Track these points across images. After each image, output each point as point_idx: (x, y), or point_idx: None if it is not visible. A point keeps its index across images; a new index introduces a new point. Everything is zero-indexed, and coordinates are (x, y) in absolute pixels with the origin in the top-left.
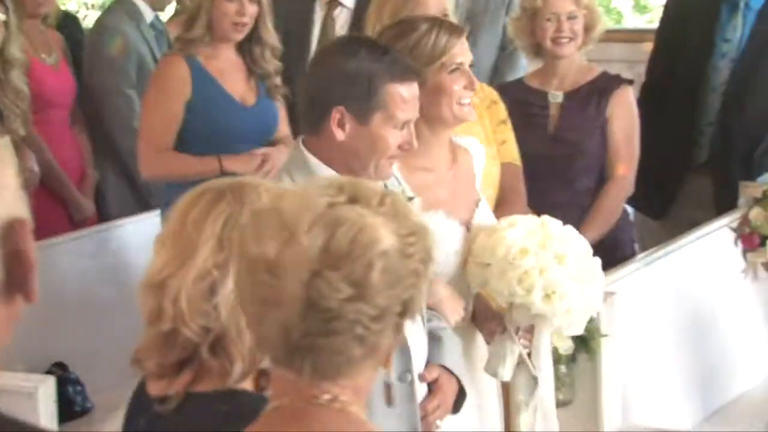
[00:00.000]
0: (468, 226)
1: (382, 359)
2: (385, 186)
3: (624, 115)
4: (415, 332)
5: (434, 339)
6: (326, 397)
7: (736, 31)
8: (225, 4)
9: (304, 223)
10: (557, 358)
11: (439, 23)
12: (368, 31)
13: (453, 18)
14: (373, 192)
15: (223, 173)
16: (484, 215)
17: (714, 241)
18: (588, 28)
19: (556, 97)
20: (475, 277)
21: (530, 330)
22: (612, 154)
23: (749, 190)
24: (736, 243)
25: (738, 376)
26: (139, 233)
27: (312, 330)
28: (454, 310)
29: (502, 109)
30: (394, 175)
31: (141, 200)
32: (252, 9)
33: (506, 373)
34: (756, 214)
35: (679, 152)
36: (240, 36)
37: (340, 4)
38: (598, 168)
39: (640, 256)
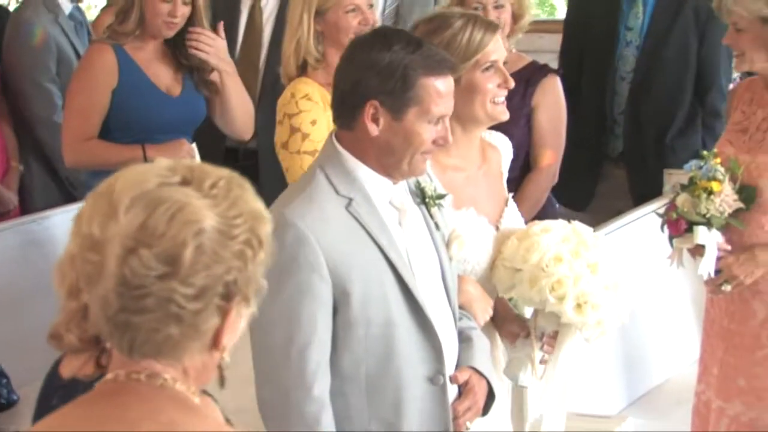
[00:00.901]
0: (497, 226)
1: (208, 341)
2: (418, 182)
3: (550, 105)
4: (447, 333)
5: (464, 339)
6: (146, 374)
7: (638, 19)
8: (158, 4)
9: (126, 201)
10: None
11: (474, 19)
12: (293, 21)
13: (378, 6)
14: (209, 175)
15: (147, 161)
16: (513, 215)
17: (640, 228)
18: (516, 18)
19: None
20: (504, 281)
21: (554, 336)
22: (537, 143)
23: (675, 176)
24: (662, 229)
25: (665, 362)
26: (63, 225)
27: (126, 306)
28: (484, 309)
29: None
30: (427, 171)
31: (65, 192)
32: (184, 10)
33: (527, 378)
34: (683, 200)
35: (595, 143)
36: (171, 33)
37: None
38: (524, 157)
39: None
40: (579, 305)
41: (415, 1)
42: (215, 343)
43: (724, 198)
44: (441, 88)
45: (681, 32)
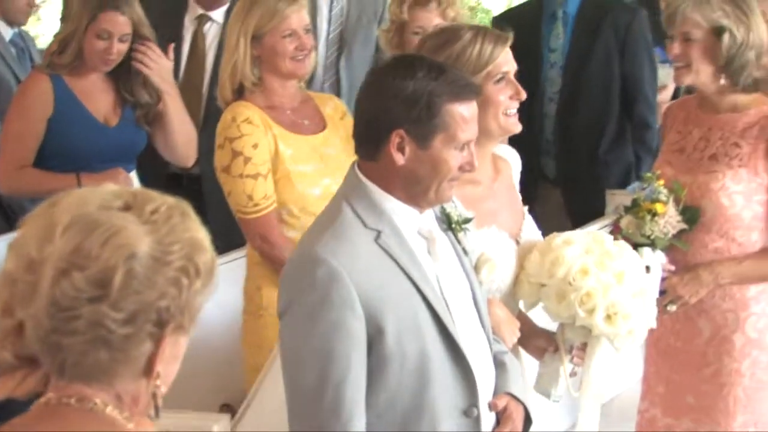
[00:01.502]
0: (517, 240)
1: (141, 368)
2: (443, 208)
3: None
4: (482, 360)
5: (498, 365)
6: (76, 398)
7: (559, 39)
8: (95, 41)
9: (64, 223)
10: None
11: (483, 31)
12: (230, 45)
13: (322, 31)
14: (152, 201)
15: None
16: (531, 227)
17: None
18: None
19: None
20: (529, 297)
21: (583, 348)
22: None
23: (618, 197)
24: None
25: (611, 379)
26: (2, 252)
27: (57, 328)
28: (512, 331)
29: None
30: None
31: (9, 219)
32: (120, 47)
33: (558, 393)
34: (627, 222)
35: (530, 165)
36: (107, 69)
37: (210, 18)
38: None
39: None
40: (609, 316)
41: (358, 27)
42: (148, 369)
43: (668, 219)
44: (466, 113)
45: (602, 49)
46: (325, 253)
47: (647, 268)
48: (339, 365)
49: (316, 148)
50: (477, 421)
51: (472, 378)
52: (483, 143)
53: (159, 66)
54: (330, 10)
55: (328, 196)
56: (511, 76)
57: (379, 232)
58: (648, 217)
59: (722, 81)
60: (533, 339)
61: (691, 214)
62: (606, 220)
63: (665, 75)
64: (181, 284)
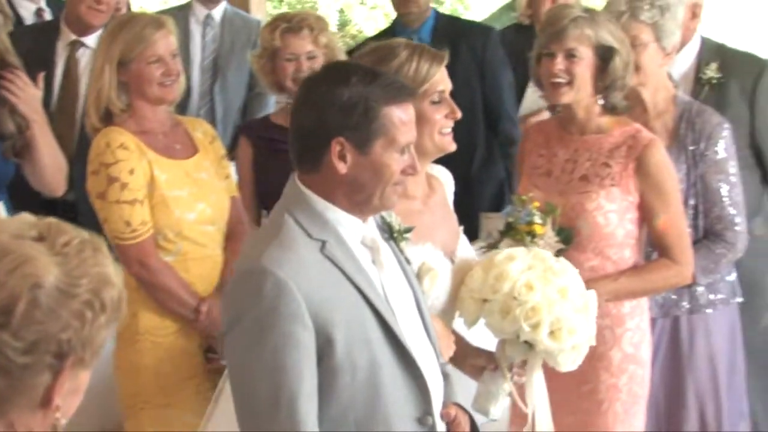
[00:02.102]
0: (452, 258)
1: (38, 398)
2: (383, 218)
3: None
4: (430, 370)
5: (443, 375)
6: None
7: None
8: None
9: None
10: None
11: (420, 49)
12: (96, 71)
13: (196, 57)
14: (65, 234)
15: None
16: (465, 246)
17: None
18: None
19: None
20: (470, 313)
21: (522, 365)
22: None
23: (492, 221)
24: None
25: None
26: None
27: None
28: (448, 346)
29: (221, 145)
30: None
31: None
32: None
33: (497, 411)
34: (507, 244)
35: None
36: None
37: (83, 44)
38: None
39: None
40: (553, 332)
41: (231, 53)
42: (46, 401)
43: (547, 240)
44: (404, 116)
45: (462, 71)
46: (271, 265)
47: None
48: (292, 379)
49: (189, 172)
50: (432, 429)
51: (425, 386)
52: (418, 161)
53: (26, 95)
54: (203, 37)
55: (204, 220)
56: (447, 95)
57: (324, 243)
58: (528, 239)
59: (599, 101)
60: (471, 358)
61: (565, 235)
62: (480, 243)
63: (535, 99)
64: (85, 318)
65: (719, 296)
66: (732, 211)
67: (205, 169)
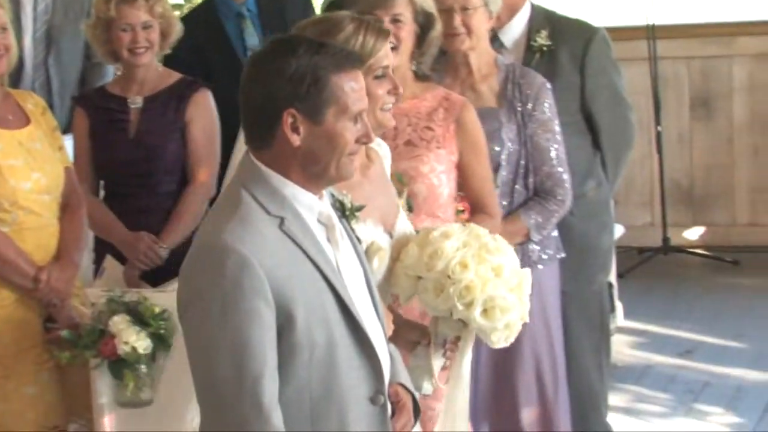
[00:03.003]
0: (390, 233)
1: None
2: (333, 196)
3: (203, 119)
4: (380, 350)
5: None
6: None
7: (254, 37)
8: None
9: None
10: (136, 358)
11: (366, 24)
12: None
13: (27, 29)
14: None
15: None
16: (404, 221)
17: None
18: (165, 35)
19: (135, 102)
20: (405, 290)
21: (455, 342)
22: (192, 158)
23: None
24: None
25: None
26: None
27: None
28: (388, 324)
29: (52, 117)
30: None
31: None
32: None
33: (429, 386)
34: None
35: None
36: None
37: None
38: (180, 171)
39: None
40: (486, 310)
41: (65, 23)
42: None
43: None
44: (354, 84)
45: None
46: (233, 242)
47: None
48: (256, 356)
49: (23, 142)
50: (383, 408)
51: (378, 364)
52: None
53: None
54: (34, 8)
55: (40, 190)
56: (390, 70)
57: (282, 219)
58: None
59: (413, 67)
60: (405, 332)
61: (408, 203)
62: None
63: None
64: None
65: (548, 252)
66: (560, 168)
67: (39, 139)
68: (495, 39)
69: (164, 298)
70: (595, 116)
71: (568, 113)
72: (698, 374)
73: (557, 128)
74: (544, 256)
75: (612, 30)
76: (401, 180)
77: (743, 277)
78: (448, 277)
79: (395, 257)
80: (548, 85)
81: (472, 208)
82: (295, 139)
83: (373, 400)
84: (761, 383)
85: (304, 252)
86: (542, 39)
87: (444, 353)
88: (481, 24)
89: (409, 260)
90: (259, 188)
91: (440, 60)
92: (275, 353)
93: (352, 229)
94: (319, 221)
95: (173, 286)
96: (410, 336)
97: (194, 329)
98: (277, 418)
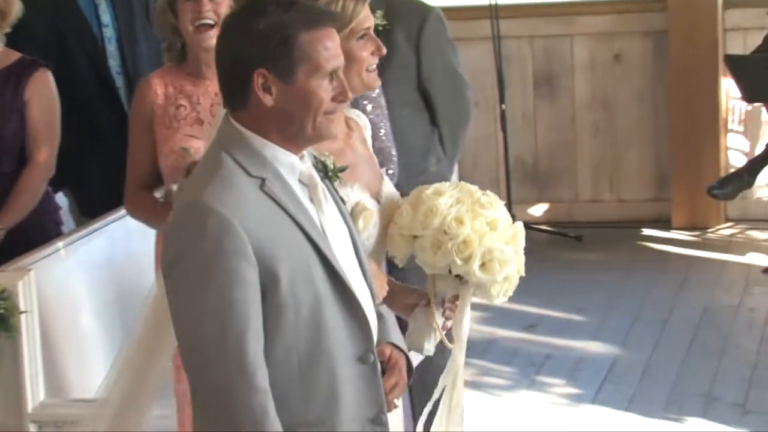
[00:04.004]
0: (378, 199)
1: None
2: (315, 157)
3: (42, 99)
4: (368, 309)
5: (377, 315)
6: None
7: (107, 14)
8: None
9: None
10: None
11: None
12: None
13: None
14: None
15: None
16: (389, 187)
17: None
18: (3, 16)
19: None
20: (402, 251)
21: (453, 300)
22: (31, 138)
23: None
24: None
25: None
26: None
27: None
28: (381, 286)
29: None
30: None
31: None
32: None
33: (431, 346)
34: None
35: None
36: None
37: None
38: (19, 152)
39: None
40: (484, 264)
41: None
42: None
43: None
44: (326, 41)
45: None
46: (213, 203)
47: None
48: (239, 316)
49: None
50: (374, 366)
51: (366, 324)
52: None
53: None
54: None
55: None
56: (371, 32)
57: (263, 180)
58: None
59: None
60: (401, 296)
61: None
62: None
63: None
64: None
65: None
66: (389, 144)
67: None
68: None
69: (3, 278)
70: (431, 94)
71: (406, 92)
72: (541, 347)
73: (384, 104)
74: None
75: (455, 9)
76: (188, 152)
77: (586, 252)
78: (445, 232)
79: (387, 221)
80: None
81: None
82: (268, 99)
83: (362, 359)
84: (601, 355)
85: (286, 212)
86: (378, 19)
87: (443, 312)
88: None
89: (404, 220)
90: (239, 150)
91: None
92: (260, 313)
93: (336, 190)
94: (300, 181)
95: (13, 266)
96: (407, 299)
97: (176, 290)
98: (261, 377)
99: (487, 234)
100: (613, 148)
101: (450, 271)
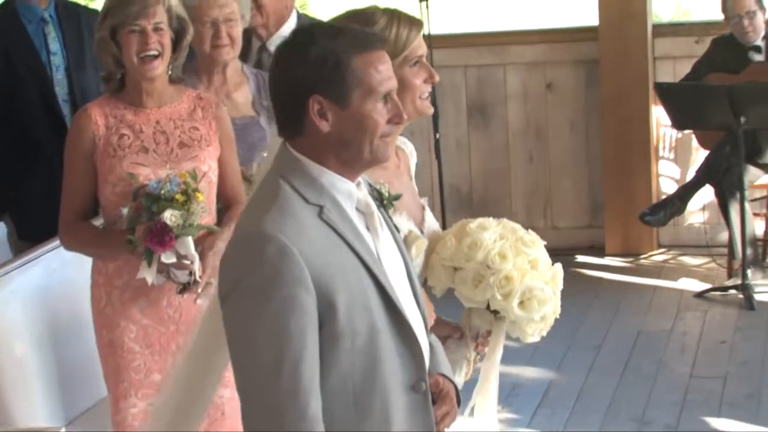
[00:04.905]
0: (421, 228)
1: None
2: (370, 186)
3: None
4: (421, 338)
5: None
6: None
7: (57, 42)
8: None
9: None
10: None
11: (398, 15)
12: None
13: None
14: None
15: None
16: (431, 218)
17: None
18: None
19: None
20: (441, 282)
21: (486, 335)
22: None
23: None
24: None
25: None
26: None
27: None
28: (430, 314)
29: None
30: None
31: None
32: None
33: (461, 379)
34: (172, 214)
35: None
36: None
37: None
38: None
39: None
40: (522, 302)
41: None
42: None
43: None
44: (377, 63)
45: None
46: (272, 230)
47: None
48: (295, 344)
49: None
50: (425, 396)
51: (420, 353)
52: (396, 127)
53: None
54: None
55: None
56: (425, 59)
57: (321, 207)
58: (187, 204)
59: (169, 72)
60: (435, 328)
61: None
62: None
63: None
64: None
65: None
66: None
67: None
68: (264, 49)
69: None
70: None
71: None
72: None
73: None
74: None
75: None
76: (195, 177)
77: None
78: (488, 267)
79: (429, 251)
80: None
81: (229, 200)
82: (324, 125)
83: (414, 388)
84: (536, 380)
85: (344, 240)
86: None
87: (476, 347)
88: (240, 34)
89: (447, 251)
90: (297, 177)
91: (186, 67)
92: (316, 341)
93: (390, 218)
94: (357, 209)
95: None
96: (441, 331)
97: (234, 318)
98: (315, 407)
99: (529, 272)
100: (547, 176)
101: (488, 306)
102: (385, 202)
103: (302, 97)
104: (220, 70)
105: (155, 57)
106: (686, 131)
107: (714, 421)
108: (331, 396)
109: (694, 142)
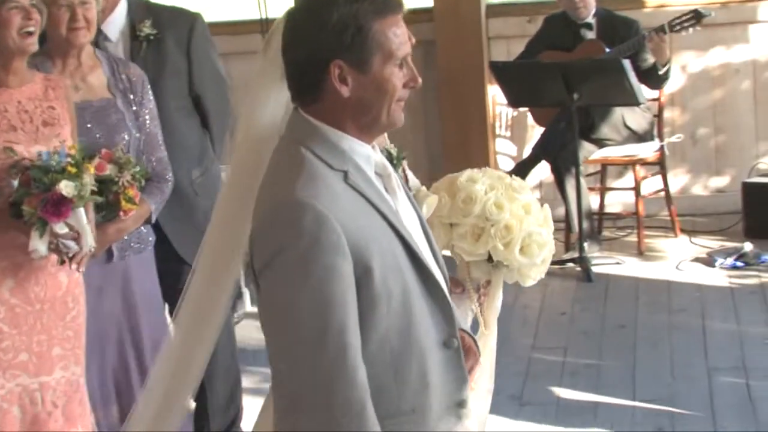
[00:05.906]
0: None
1: None
2: (386, 166)
3: None
4: (448, 295)
5: None
6: None
7: None
8: None
9: None
10: None
11: None
12: None
13: None
14: None
15: None
16: (412, 176)
17: None
18: None
19: None
20: (441, 239)
21: (486, 285)
22: None
23: None
24: None
25: None
26: None
27: None
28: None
29: None
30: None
31: None
32: None
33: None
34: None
35: None
36: None
37: None
38: None
39: None
40: (522, 248)
41: None
42: None
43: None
44: (395, 28)
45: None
46: (307, 198)
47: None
48: (338, 312)
49: None
50: (458, 351)
51: (449, 309)
52: None
53: None
54: None
55: None
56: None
57: (346, 173)
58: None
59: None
60: None
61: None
62: None
63: None
64: None
65: (151, 237)
66: (166, 152)
67: None
68: (99, 33)
69: None
70: (202, 98)
71: (180, 97)
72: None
73: (156, 113)
74: (135, 245)
75: (230, 24)
76: (13, 152)
77: None
78: (486, 219)
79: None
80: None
81: None
82: (345, 90)
83: (447, 344)
84: None
85: (371, 203)
86: (147, 29)
87: (478, 298)
88: (95, 17)
89: (443, 209)
90: (317, 144)
91: (38, 51)
92: (356, 308)
93: (404, 178)
94: (375, 172)
95: None
96: None
97: (273, 287)
98: (362, 374)
99: (525, 218)
100: None
101: (489, 257)
102: (395, 162)
103: (323, 62)
104: (75, 53)
105: (31, 34)
106: (521, 109)
107: (557, 390)
108: (371, 361)
109: (530, 120)
